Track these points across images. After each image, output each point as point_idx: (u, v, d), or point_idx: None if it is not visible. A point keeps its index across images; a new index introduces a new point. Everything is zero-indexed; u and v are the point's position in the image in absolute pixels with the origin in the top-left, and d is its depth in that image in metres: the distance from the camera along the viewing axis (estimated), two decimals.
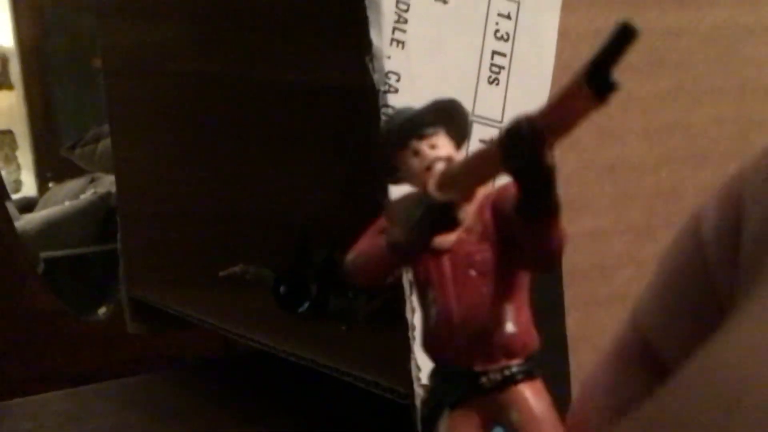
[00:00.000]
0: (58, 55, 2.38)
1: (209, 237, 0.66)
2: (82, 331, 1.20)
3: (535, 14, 0.32)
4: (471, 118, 0.31)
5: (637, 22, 0.33)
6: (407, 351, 0.31)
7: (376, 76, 0.30)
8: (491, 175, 0.21)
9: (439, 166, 0.23)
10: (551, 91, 0.32)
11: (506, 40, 0.32)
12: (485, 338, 0.22)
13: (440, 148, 0.23)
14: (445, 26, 0.31)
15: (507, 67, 0.32)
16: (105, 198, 1.71)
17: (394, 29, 0.30)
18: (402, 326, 0.32)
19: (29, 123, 2.41)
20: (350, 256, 0.24)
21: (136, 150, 0.67)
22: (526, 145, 0.19)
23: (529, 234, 0.21)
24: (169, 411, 0.53)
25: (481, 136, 0.32)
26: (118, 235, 0.69)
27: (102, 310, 1.31)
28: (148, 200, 0.67)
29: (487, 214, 0.23)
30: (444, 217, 0.22)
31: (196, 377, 0.62)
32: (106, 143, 1.52)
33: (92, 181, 1.93)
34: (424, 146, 0.23)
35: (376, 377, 0.35)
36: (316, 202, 0.65)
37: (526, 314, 0.23)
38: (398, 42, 0.30)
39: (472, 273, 0.22)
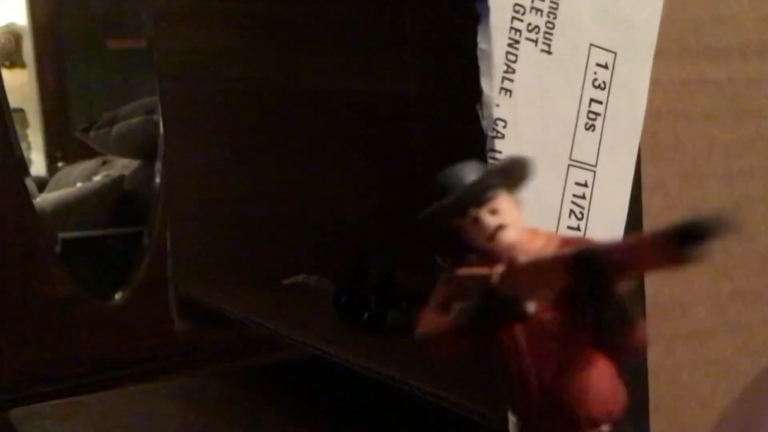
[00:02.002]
0: (72, 35, 2.38)
1: (259, 240, 0.68)
2: (99, 316, 1.21)
3: (630, 64, 0.34)
4: (569, 161, 0.33)
5: (722, 72, 0.35)
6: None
7: (485, 123, 0.31)
8: (555, 285, 0.22)
9: (504, 235, 0.23)
10: (642, 136, 0.34)
11: (603, 89, 0.33)
12: (566, 409, 0.22)
13: (501, 212, 0.23)
14: (548, 75, 0.32)
15: (603, 113, 0.33)
16: (118, 181, 1.71)
17: (503, 79, 0.31)
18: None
19: (40, 102, 2.41)
20: (418, 332, 0.24)
21: (187, 151, 0.69)
22: (599, 275, 0.19)
23: (605, 339, 0.22)
24: (220, 413, 0.54)
25: (576, 179, 0.33)
26: (168, 234, 0.70)
27: (119, 295, 1.32)
28: (198, 200, 0.68)
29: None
30: (510, 309, 0.22)
31: (242, 378, 0.64)
32: (121, 126, 1.52)
33: (104, 163, 1.93)
34: (484, 214, 0.23)
35: (458, 397, 0.37)
36: (374, 214, 0.67)
37: (608, 379, 0.23)
38: (506, 90, 0.32)
39: (546, 340, 0.22)
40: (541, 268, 0.21)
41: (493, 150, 0.31)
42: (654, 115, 0.34)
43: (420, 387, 0.39)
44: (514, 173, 0.24)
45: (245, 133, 0.69)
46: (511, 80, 0.32)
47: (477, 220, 0.23)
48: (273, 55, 0.71)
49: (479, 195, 0.23)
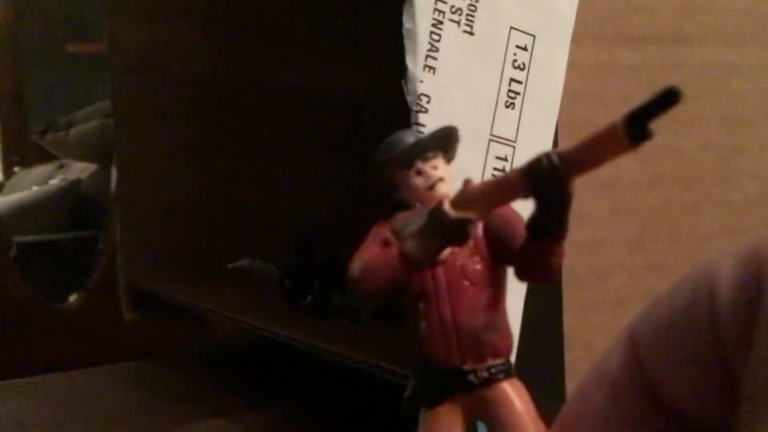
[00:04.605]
0: (31, 38, 2.36)
1: (211, 230, 0.69)
2: (54, 318, 1.20)
3: (548, 47, 0.36)
4: (489, 137, 0.35)
5: (637, 57, 0.37)
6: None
7: (409, 98, 0.33)
8: (511, 199, 0.24)
9: (441, 186, 0.26)
10: (559, 116, 0.36)
11: (522, 69, 0.35)
12: (476, 341, 0.25)
13: (440, 169, 0.26)
14: (470, 55, 0.34)
15: (522, 93, 0.35)
16: (75, 184, 1.70)
17: (427, 56, 0.33)
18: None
19: None
20: (357, 264, 0.27)
21: (139, 143, 0.70)
22: (555, 176, 0.22)
23: (537, 251, 0.24)
24: (173, 394, 0.55)
25: (497, 153, 0.35)
26: (117, 224, 0.71)
27: (73, 297, 1.32)
28: (150, 193, 0.69)
29: (478, 231, 0.26)
30: (457, 232, 0.25)
31: (197, 363, 0.65)
32: (77, 129, 1.52)
33: (61, 167, 1.92)
34: (427, 167, 0.26)
35: (378, 360, 0.38)
36: (319, 200, 0.68)
37: (506, 319, 0.26)
38: (430, 68, 0.33)
39: (466, 283, 0.25)
40: (494, 187, 0.24)
41: (417, 123, 0.33)
42: (571, 96, 0.36)
43: (353, 357, 0.41)
44: (448, 141, 0.27)
45: (197, 126, 0.71)
46: (435, 58, 0.33)
47: (421, 172, 0.26)
48: (226, 50, 0.72)
49: (425, 151, 0.26)
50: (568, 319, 0.36)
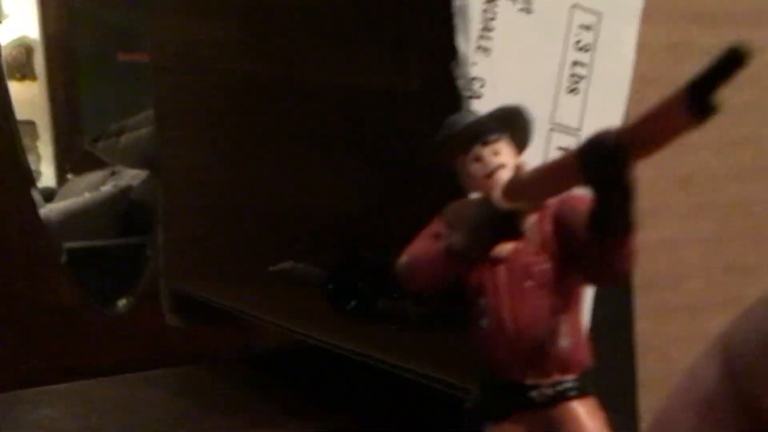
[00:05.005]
0: (84, 48, 2.40)
1: (254, 233, 0.67)
2: (103, 324, 1.20)
3: (615, 27, 0.33)
4: (550, 125, 0.32)
5: (713, 37, 0.33)
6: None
7: (461, 82, 0.30)
8: (566, 187, 0.21)
9: (502, 174, 0.23)
10: (628, 101, 0.33)
11: (586, 51, 0.32)
12: (539, 352, 0.22)
13: (502, 155, 0.23)
14: (528, 36, 0.31)
15: (587, 77, 0.32)
16: (125, 191, 1.71)
17: (480, 36, 0.30)
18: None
19: (51, 114, 2.43)
20: (404, 259, 0.24)
21: (181, 145, 0.68)
22: (609, 159, 0.18)
23: (601, 250, 0.20)
24: (215, 402, 0.53)
25: (559, 143, 0.32)
26: (159, 228, 0.69)
27: (122, 303, 1.32)
28: (193, 195, 0.68)
29: (548, 226, 0.22)
30: (508, 225, 0.21)
31: (237, 369, 0.63)
32: (128, 137, 1.52)
33: (112, 174, 1.94)
34: (486, 152, 0.23)
35: (433, 371, 0.35)
36: (366, 202, 0.66)
37: (581, 329, 0.23)
38: (484, 49, 0.30)
39: (529, 284, 0.22)
40: (547, 173, 0.21)
41: (469, 111, 0.30)
42: (641, 79, 0.33)
43: (403, 366, 0.38)
44: (514, 122, 0.24)
45: (239, 127, 0.69)
46: (489, 38, 0.30)
47: (479, 158, 0.23)
48: (270, 49, 0.70)
49: (485, 134, 0.23)
50: (641, 326, 0.33)
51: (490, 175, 0.23)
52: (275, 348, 0.67)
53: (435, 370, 0.35)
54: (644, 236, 0.33)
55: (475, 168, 0.23)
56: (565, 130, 0.32)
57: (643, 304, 0.33)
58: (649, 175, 0.33)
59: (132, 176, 1.77)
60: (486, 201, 0.22)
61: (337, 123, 0.69)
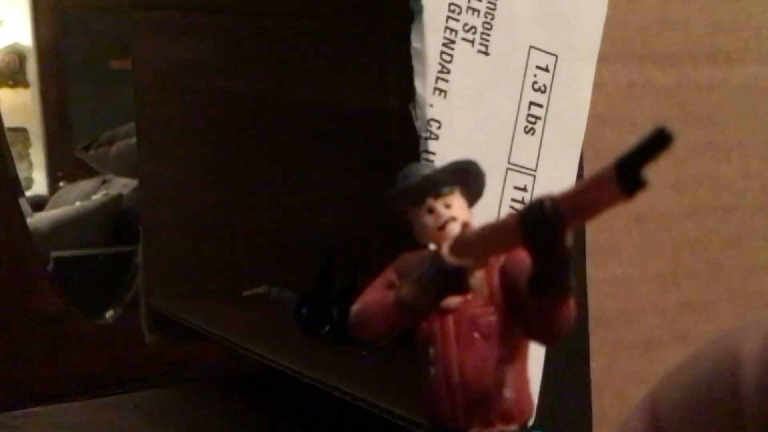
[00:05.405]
0: (76, 55, 2.40)
1: (232, 253, 0.67)
2: (89, 334, 1.20)
3: (572, 67, 0.33)
4: (507, 165, 0.33)
5: (670, 77, 0.34)
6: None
7: (418, 123, 0.31)
8: (508, 248, 0.22)
9: (453, 226, 0.23)
10: (585, 141, 0.33)
11: (543, 92, 0.33)
12: (484, 402, 0.22)
13: (454, 207, 0.24)
14: (485, 77, 0.32)
15: (543, 117, 0.33)
16: (116, 200, 1.72)
17: (438, 79, 0.31)
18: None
19: (43, 122, 2.43)
20: (356, 306, 0.24)
21: (162, 164, 0.68)
22: (548, 225, 0.19)
23: (539, 309, 0.21)
24: (185, 426, 0.53)
25: (515, 183, 0.33)
26: (140, 246, 0.70)
27: (110, 313, 1.32)
28: (172, 214, 0.68)
29: (495, 279, 0.23)
30: (455, 281, 0.22)
31: (213, 392, 0.63)
32: (119, 146, 1.53)
33: (104, 182, 1.95)
34: (439, 205, 0.23)
35: (392, 405, 0.36)
36: (340, 225, 0.66)
37: (526, 380, 0.23)
38: (441, 91, 0.31)
39: (476, 335, 0.23)
40: (491, 232, 0.22)
41: (427, 151, 0.31)
42: (598, 119, 0.34)
43: (362, 398, 0.38)
44: (467, 176, 0.24)
45: (220, 145, 0.69)
46: (446, 80, 0.31)
47: (432, 210, 0.24)
48: (251, 68, 0.71)
49: (437, 186, 0.24)
50: (596, 363, 0.33)
51: (442, 227, 0.24)
52: (259, 366, 0.67)
53: (394, 404, 0.36)
54: (598, 273, 0.33)
55: (428, 220, 0.24)
56: (521, 170, 0.32)
57: (597, 341, 0.33)
58: (605, 213, 0.33)
59: (123, 185, 1.78)
60: (435, 255, 0.23)
61: (316, 144, 0.70)
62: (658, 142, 0.17)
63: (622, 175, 0.17)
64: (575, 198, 0.19)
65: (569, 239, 0.19)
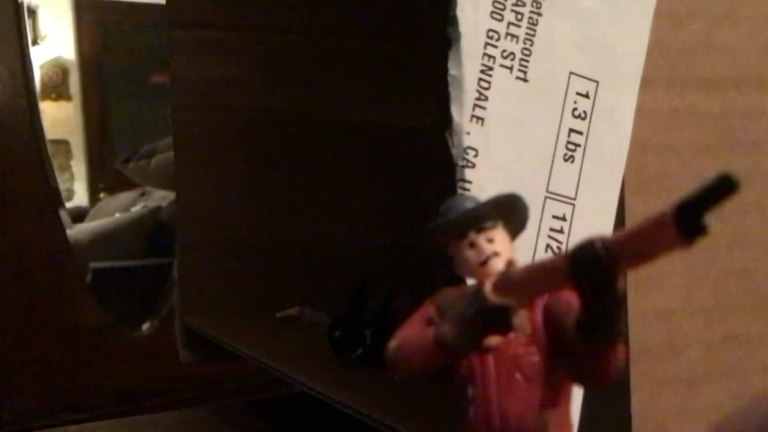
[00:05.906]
0: (118, 69, 2.44)
1: (267, 272, 0.67)
2: (125, 346, 1.21)
3: (613, 93, 0.32)
4: (545, 194, 0.32)
5: (715, 103, 0.33)
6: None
7: (454, 151, 0.30)
8: (554, 289, 0.21)
9: (496, 261, 0.22)
10: (627, 169, 0.33)
11: (583, 119, 0.32)
12: None
13: (497, 242, 0.23)
14: (524, 103, 0.31)
15: (583, 144, 0.32)
16: (155, 212, 1.74)
17: (475, 106, 0.30)
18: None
19: (85, 134, 2.47)
20: (393, 343, 0.24)
21: (199, 181, 0.69)
22: (599, 269, 0.18)
23: (586, 353, 0.20)
24: None
25: (554, 212, 0.32)
26: (175, 263, 0.70)
27: (146, 325, 1.33)
28: (208, 232, 0.68)
29: (539, 317, 0.22)
30: (498, 320, 0.21)
31: (244, 413, 0.63)
32: (159, 159, 1.55)
33: (143, 194, 1.97)
34: (481, 239, 0.23)
35: None
36: (375, 245, 0.66)
37: (569, 425, 0.22)
38: (478, 118, 0.30)
39: (518, 376, 0.22)
40: (537, 272, 0.21)
41: (464, 180, 0.30)
42: (640, 146, 0.33)
43: (394, 428, 0.37)
44: (509, 210, 0.24)
45: (256, 164, 0.69)
46: (484, 108, 0.30)
47: (474, 245, 0.23)
48: (287, 87, 0.71)
49: (480, 221, 0.23)
50: (637, 399, 0.32)
51: (484, 262, 0.23)
52: (291, 386, 0.67)
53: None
54: (640, 306, 0.32)
55: (470, 255, 0.23)
56: (560, 198, 0.32)
57: (638, 375, 0.32)
58: (660, 258, 0.32)
59: (162, 197, 1.80)
60: (477, 293, 0.22)
61: (352, 162, 0.70)
62: (722, 188, 0.16)
63: (682, 221, 0.16)
64: (629, 241, 0.18)
65: (621, 283, 0.18)
